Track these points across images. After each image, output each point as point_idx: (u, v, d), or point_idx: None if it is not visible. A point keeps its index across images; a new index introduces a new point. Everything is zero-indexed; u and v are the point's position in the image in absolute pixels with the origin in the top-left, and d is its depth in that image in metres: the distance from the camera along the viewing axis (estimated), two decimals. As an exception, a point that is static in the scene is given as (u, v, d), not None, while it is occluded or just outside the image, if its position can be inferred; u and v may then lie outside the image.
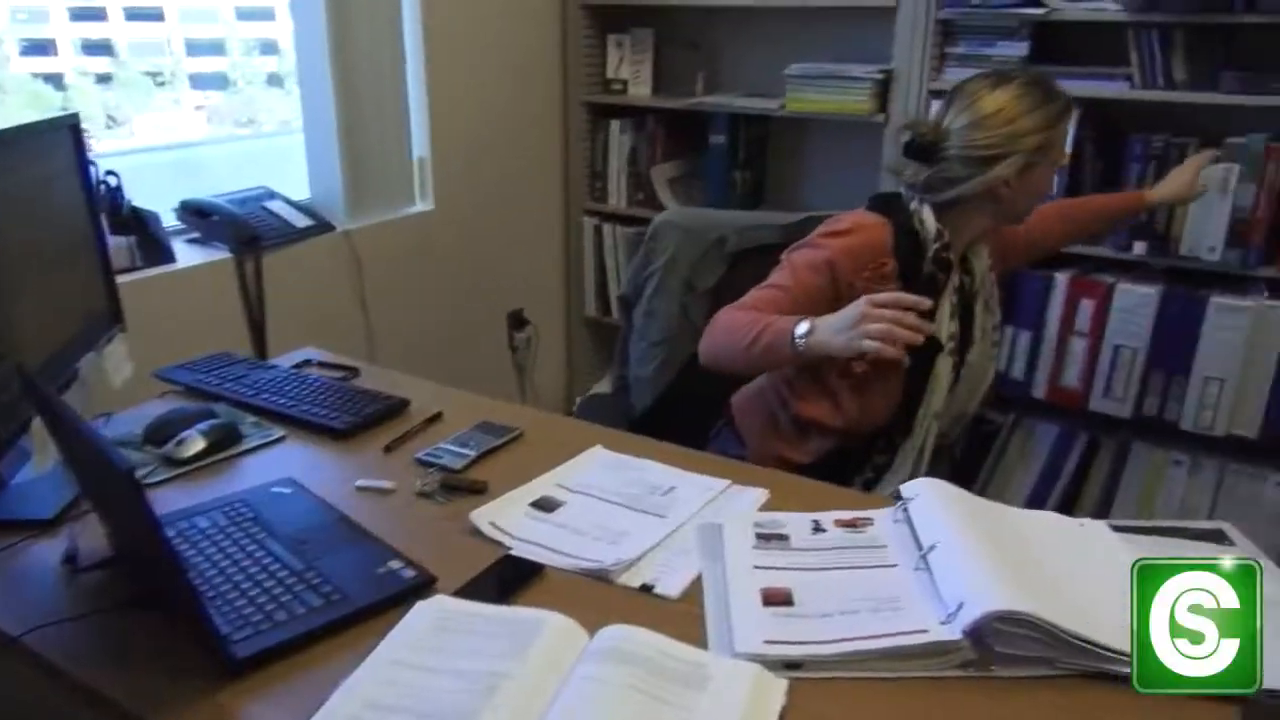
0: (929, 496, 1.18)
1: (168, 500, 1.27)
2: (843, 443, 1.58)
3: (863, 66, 2.40)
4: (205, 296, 2.05)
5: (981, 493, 2.42)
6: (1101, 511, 2.36)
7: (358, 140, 2.31)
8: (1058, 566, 1.08)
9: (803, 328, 1.39)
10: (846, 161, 2.70)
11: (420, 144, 2.50)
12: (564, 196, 3.00)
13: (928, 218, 1.51)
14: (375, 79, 2.31)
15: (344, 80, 2.24)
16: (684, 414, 1.84)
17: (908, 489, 1.21)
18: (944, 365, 1.53)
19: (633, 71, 2.83)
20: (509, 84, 2.72)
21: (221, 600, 1.02)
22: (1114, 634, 0.95)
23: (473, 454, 1.40)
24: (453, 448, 1.42)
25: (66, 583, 1.10)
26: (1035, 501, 2.42)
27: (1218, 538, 1.18)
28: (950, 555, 1.05)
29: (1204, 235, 2.10)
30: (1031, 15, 2.13)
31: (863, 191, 2.55)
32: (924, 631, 0.96)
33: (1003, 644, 0.95)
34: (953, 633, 0.95)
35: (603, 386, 2.98)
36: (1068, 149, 1.52)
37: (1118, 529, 1.19)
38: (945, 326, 1.53)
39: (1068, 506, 2.39)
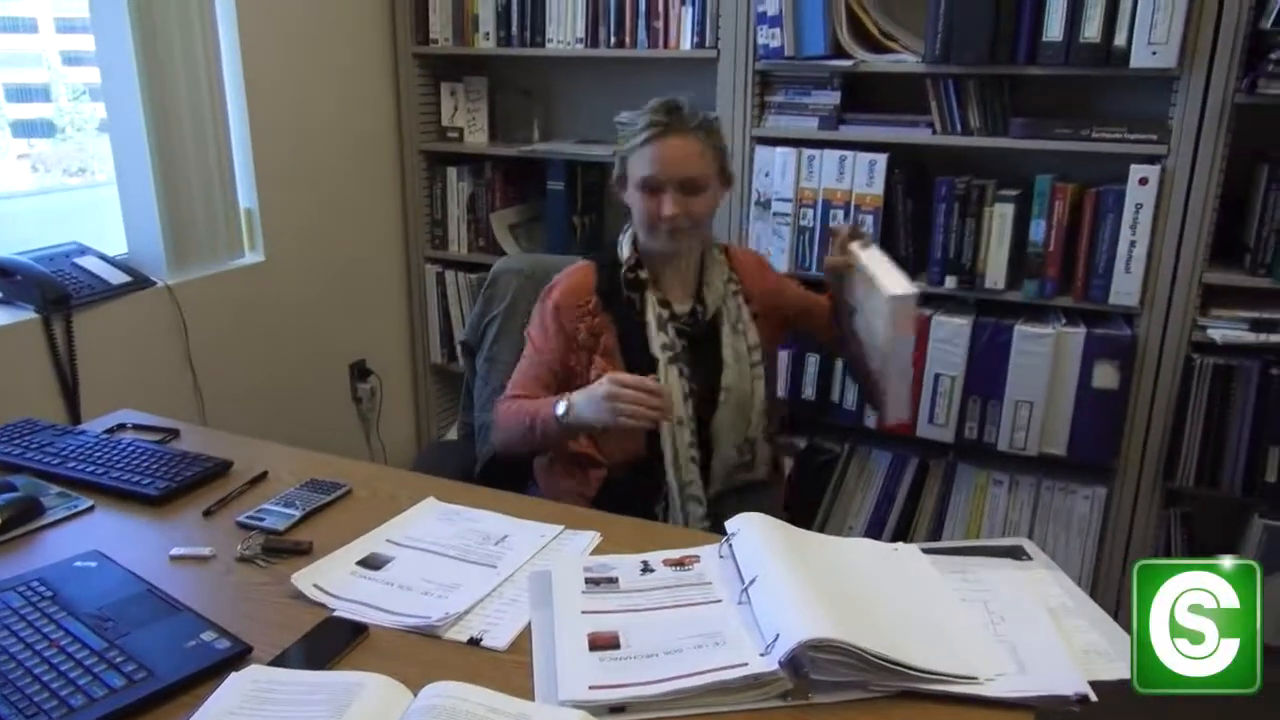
0: (751, 531, 1.21)
1: (-43, 583, 1.18)
2: (617, 471, 1.64)
3: (690, 114, 2.48)
4: (7, 361, 1.92)
5: (824, 520, 2.53)
6: (935, 530, 2.48)
7: (178, 191, 2.22)
8: (871, 592, 1.13)
9: (560, 409, 1.55)
10: (681, 205, 2.77)
11: (247, 195, 2.42)
12: (404, 244, 2.97)
13: (625, 245, 1.66)
14: (196, 128, 2.23)
15: (160, 129, 2.15)
16: (528, 459, 1.83)
17: (731, 525, 1.24)
18: (669, 375, 1.61)
19: (469, 119, 2.84)
20: (341, 134, 2.68)
21: (10, 687, 0.95)
22: (922, 654, 1.01)
23: (298, 514, 1.36)
24: (277, 508, 1.37)
25: None
26: (875, 525, 2.52)
27: (1017, 553, 1.27)
28: (768, 588, 1.09)
29: (1000, 272, 2.26)
30: (840, 67, 2.26)
31: (697, 234, 2.64)
32: (744, 665, 0.99)
33: (818, 671, 0.98)
34: (770, 664, 0.98)
35: (453, 434, 2.94)
36: (652, 171, 1.56)
37: (928, 551, 1.26)
38: (655, 339, 1.62)
39: (904, 528, 2.50)
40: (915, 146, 2.30)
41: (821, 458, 2.57)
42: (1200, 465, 2.16)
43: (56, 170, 2.62)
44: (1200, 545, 2.25)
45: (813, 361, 2.47)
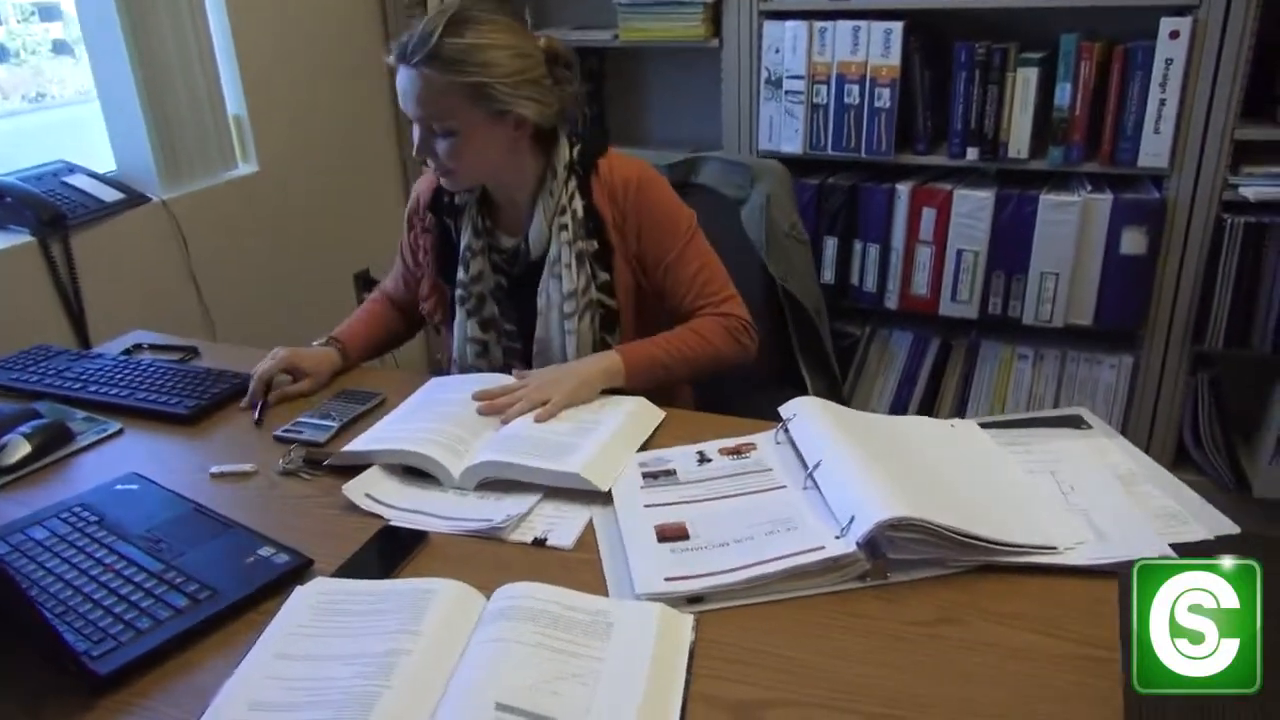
0: (807, 415, 1.18)
1: (-5, 513, 1.15)
2: None
3: (694, -10, 2.37)
4: (8, 286, 1.85)
5: (845, 403, 2.51)
6: (959, 409, 2.47)
7: (164, 103, 2.12)
8: (938, 469, 1.11)
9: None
10: (686, 89, 2.68)
11: (235, 101, 2.32)
12: (399, 148, 2.86)
13: None
14: (177, 35, 2.11)
15: (140, 40, 2.04)
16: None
17: (786, 409, 1.21)
18: (460, 316, 1.52)
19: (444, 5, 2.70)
20: (326, 33, 2.55)
21: (73, 615, 0.93)
22: (999, 527, 0.99)
23: (336, 424, 1.32)
24: (314, 420, 1.33)
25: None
26: (898, 406, 2.51)
27: (1076, 422, 1.24)
28: (836, 471, 1.06)
29: (1023, 140, 2.19)
30: (853, -72, 2.15)
31: (705, 117, 2.56)
32: (820, 549, 0.97)
33: (896, 550, 0.96)
34: (848, 546, 0.96)
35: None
36: (402, 106, 1.34)
37: (986, 425, 1.23)
38: (460, 271, 1.50)
39: (928, 408, 2.49)
40: (932, 11, 2.21)
41: (843, 342, 2.53)
42: (1230, 326, 2.13)
43: (15, 96, 2.51)
44: (1228, 408, 2.25)
45: (830, 244, 2.41)
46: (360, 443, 1.23)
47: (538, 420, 1.25)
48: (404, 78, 1.30)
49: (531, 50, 1.35)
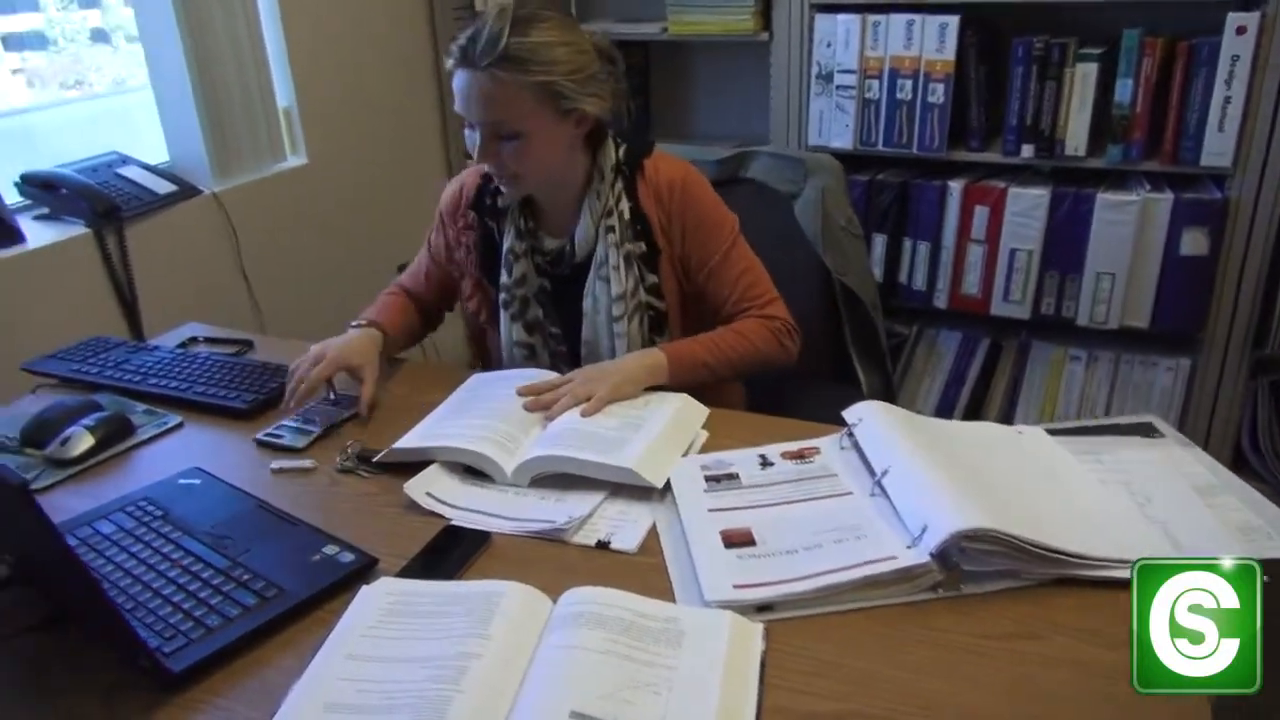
0: (874, 420, 1.16)
1: (60, 506, 1.16)
2: None
3: (745, -16, 2.34)
4: (65, 277, 1.87)
5: (893, 401, 2.48)
6: (1008, 411, 2.43)
7: (216, 96, 2.13)
8: (1008, 477, 1.08)
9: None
10: (734, 83, 2.65)
11: (285, 94, 2.32)
12: (444, 140, 2.86)
13: None
14: (228, 29, 2.12)
15: (193, 33, 2.05)
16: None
17: (851, 414, 1.19)
18: (504, 320, 1.50)
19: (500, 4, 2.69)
20: (374, 27, 2.55)
21: (144, 610, 0.93)
22: (1075, 539, 0.96)
23: (316, 430, 1.31)
24: (295, 425, 1.32)
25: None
26: (944, 407, 2.48)
27: (1147, 431, 1.21)
28: (906, 478, 1.04)
29: (1081, 137, 2.14)
30: (910, -79, 2.11)
31: (752, 111, 2.54)
32: (893, 558, 0.95)
33: (969, 562, 0.94)
34: (920, 556, 0.94)
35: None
36: (458, 108, 1.32)
37: (1054, 433, 1.21)
38: (503, 274, 1.48)
39: (975, 410, 2.45)
40: (989, 5, 2.16)
41: (890, 341, 2.50)
42: (1294, 331, 2.09)
43: (53, 84, 2.53)
44: (1288, 413, 2.20)
45: (880, 242, 2.38)
46: (410, 439, 1.23)
47: (583, 415, 1.25)
48: (468, 81, 1.27)
49: (587, 46, 1.34)
